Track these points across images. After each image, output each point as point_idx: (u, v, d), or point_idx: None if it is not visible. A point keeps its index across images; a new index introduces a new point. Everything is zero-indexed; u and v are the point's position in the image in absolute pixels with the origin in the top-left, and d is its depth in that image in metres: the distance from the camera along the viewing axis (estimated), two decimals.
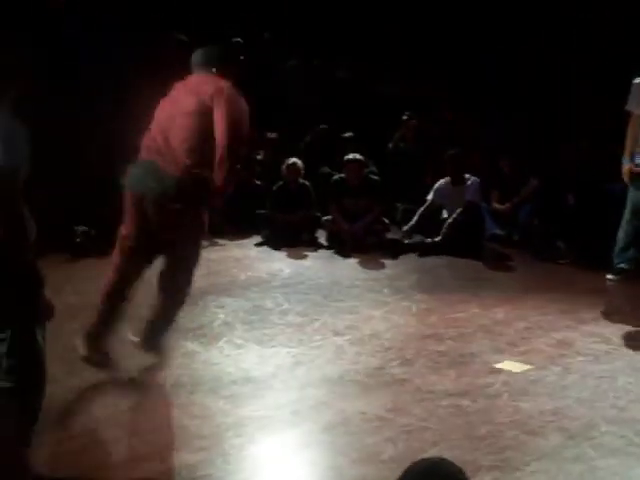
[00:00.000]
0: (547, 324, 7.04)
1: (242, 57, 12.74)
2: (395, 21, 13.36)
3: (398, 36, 13.28)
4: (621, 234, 8.39)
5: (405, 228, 10.26)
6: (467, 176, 10.19)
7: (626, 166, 8.25)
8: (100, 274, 7.69)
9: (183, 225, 5.55)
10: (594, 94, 11.55)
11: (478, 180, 10.19)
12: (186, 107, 5.50)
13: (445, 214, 10.21)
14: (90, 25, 10.43)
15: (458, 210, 9.93)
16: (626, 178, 8.28)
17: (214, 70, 5.68)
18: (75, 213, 9.58)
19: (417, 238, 10.13)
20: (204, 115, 5.44)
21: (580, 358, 6.30)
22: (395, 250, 9.83)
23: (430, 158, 11.32)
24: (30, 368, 4.00)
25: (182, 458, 4.63)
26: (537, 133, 11.22)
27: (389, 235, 10.36)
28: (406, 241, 10.11)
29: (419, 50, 13.30)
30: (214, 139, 5.41)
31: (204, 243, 9.81)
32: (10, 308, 3.89)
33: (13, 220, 3.78)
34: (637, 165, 8.04)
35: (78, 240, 9.42)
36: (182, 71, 5.87)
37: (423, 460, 2.66)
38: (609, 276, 8.55)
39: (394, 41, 13.26)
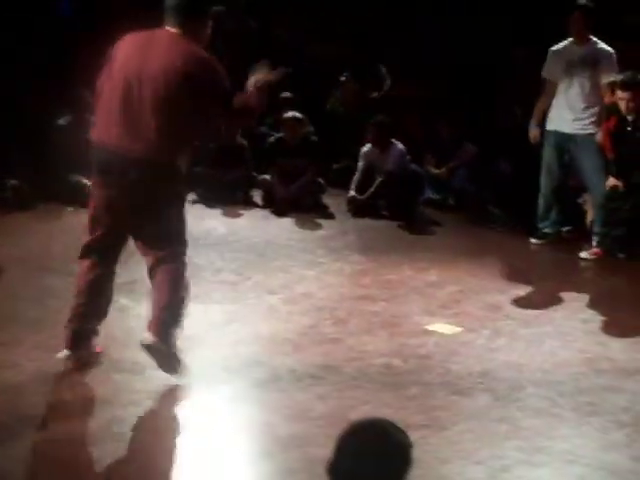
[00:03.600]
0: (478, 287, 7.12)
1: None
2: None
3: None
4: (540, 198, 8.63)
5: (351, 194, 10.15)
6: (394, 142, 10.17)
7: (534, 130, 8.58)
8: (25, 230, 7.60)
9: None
10: (529, 61, 11.64)
11: (402, 148, 10.17)
12: (154, 75, 4.89)
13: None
14: None
15: (377, 180, 9.97)
16: (534, 142, 8.59)
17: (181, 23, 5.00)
18: (6, 165, 9.44)
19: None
20: (177, 89, 4.89)
21: (509, 322, 6.40)
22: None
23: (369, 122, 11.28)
24: None
25: (113, 413, 4.63)
26: (474, 98, 11.27)
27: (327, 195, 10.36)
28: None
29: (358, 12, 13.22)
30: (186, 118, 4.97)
31: None
32: None
33: None
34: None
35: (7, 195, 9.27)
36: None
37: (368, 420, 2.65)
38: (533, 240, 8.74)
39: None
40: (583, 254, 8.31)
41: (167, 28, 5.03)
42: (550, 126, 8.59)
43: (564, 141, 8.53)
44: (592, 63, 8.37)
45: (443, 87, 12.05)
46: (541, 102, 8.72)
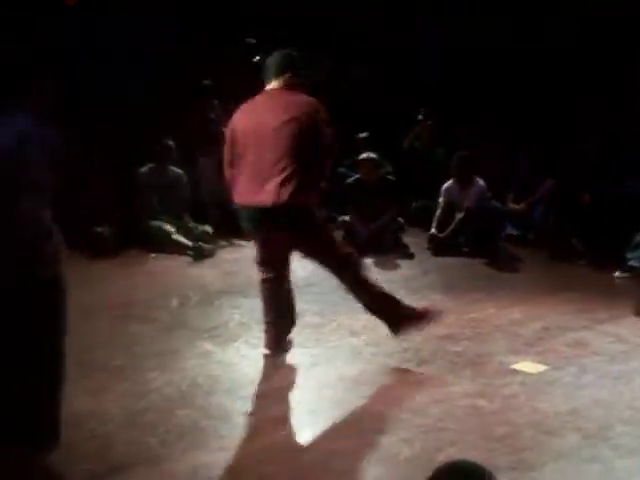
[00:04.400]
0: (563, 324, 7.02)
1: (257, 57, 12.81)
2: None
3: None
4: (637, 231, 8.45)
5: (432, 232, 10.14)
6: (475, 179, 10.15)
7: None
8: (117, 274, 7.77)
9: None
10: (601, 93, 11.54)
11: (483, 184, 10.14)
12: (279, 127, 5.69)
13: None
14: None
15: (458, 216, 9.94)
16: None
17: (288, 78, 5.89)
18: (92, 214, 9.64)
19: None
20: (300, 134, 5.67)
21: (596, 358, 6.29)
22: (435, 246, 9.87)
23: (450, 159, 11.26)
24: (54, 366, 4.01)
25: (200, 459, 4.64)
26: (552, 132, 11.19)
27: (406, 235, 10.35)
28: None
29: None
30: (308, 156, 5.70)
31: (223, 243, 9.91)
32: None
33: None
34: None
35: (92, 243, 9.46)
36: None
37: (455, 463, 2.64)
38: (617, 273, 8.59)
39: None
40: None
41: (272, 86, 5.89)
42: None
43: None
44: None
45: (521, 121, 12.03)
46: None
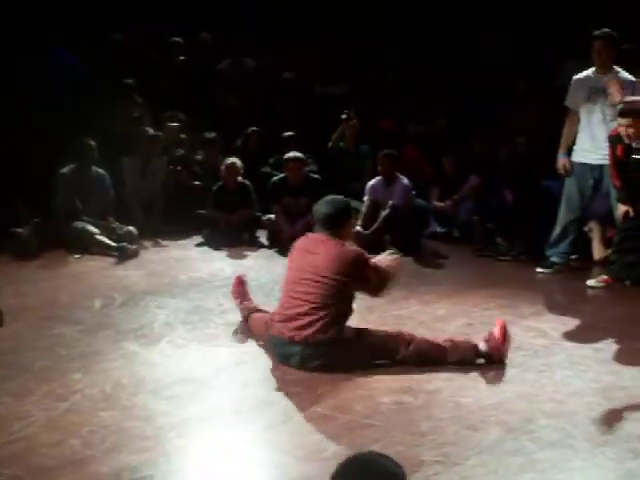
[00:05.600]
0: (487, 319, 7.06)
1: (182, 57, 12.75)
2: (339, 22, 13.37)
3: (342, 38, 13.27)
4: (556, 228, 8.61)
5: (357, 229, 10.15)
6: (399, 177, 10.20)
7: (561, 160, 8.49)
8: (40, 276, 7.67)
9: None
10: (529, 92, 11.72)
11: (407, 182, 10.19)
12: (318, 269, 6.01)
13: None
14: None
15: (383, 213, 9.99)
16: (562, 172, 8.51)
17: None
18: (11, 215, 9.52)
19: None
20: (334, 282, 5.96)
21: (520, 353, 6.35)
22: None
23: (373, 158, 11.29)
24: None
25: (124, 460, 4.60)
26: (475, 130, 11.29)
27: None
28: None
29: (363, 50, 13.33)
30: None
31: (147, 244, 9.83)
32: None
33: None
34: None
35: (12, 244, 9.33)
36: None
37: (358, 457, 2.66)
38: (539, 269, 8.73)
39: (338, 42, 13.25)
40: (591, 282, 8.29)
41: (320, 234, 6.20)
42: (574, 158, 8.56)
43: (587, 172, 8.49)
44: None
45: (444, 121, 12.14)
46: (567, 131, 8.63)
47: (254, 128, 11.81)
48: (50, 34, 11.64)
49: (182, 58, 12.83)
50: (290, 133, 11.55)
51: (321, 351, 5.90)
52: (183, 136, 11.62)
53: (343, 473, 2.57)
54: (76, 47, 11.91)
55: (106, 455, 4.67)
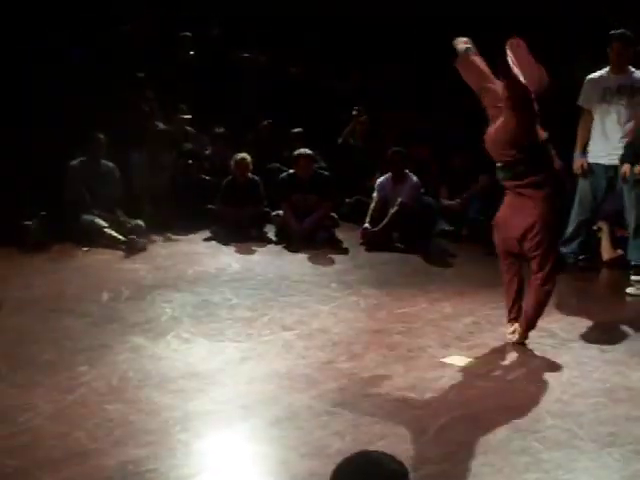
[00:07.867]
0: (495, 319, 7.06)
1: (192, 52, 12.76)
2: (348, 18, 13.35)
3: (351, 33, 13.26)
4: (568, 227, 8.55)
5: (365, 225, 10.15)
6: (409, 174, 10.18)
7: (578, 160, 8.44)
8: (48, 268, 7.67)
9: None
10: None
11: (416, 180, 10.19)
12: None
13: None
14: None
15: (392, 210, 9.98)
16: (578, 172, 8.46)
17: None
18: (20, 208, 9.53)
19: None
20: None
21: (527, 352, 6.34)
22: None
23: (381, 155, 11.29)
24: None
25: (129, 453, 4.60)
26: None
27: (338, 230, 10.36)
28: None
29: (371, 47, 13.32)
30: None
31: (155, 237, 9.84)
32: None
33: None
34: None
35: (21, 237, 9.34)
36: None
37: (358, 455, 2.64)
38: None
39: (347, 38, 13.24)
40: (630, 290, 8.12)
41: None
42: (588, 159, 8.53)
43: (601, 173, 8.47)
44: (630, 92, 8.29)
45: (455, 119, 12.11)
46: (581, 130, 8.59)
47: (267, 121, 11.83)
48: (60, 33, 11.65)
49: (192, 53, 12.83)
50: (299, 129, 11.55)
51: None
52: (189, 129, 11.64)
53: (343, 471, 2.55)
54: (86, 44, 11.90)
55: (111, 448, 4.67)
